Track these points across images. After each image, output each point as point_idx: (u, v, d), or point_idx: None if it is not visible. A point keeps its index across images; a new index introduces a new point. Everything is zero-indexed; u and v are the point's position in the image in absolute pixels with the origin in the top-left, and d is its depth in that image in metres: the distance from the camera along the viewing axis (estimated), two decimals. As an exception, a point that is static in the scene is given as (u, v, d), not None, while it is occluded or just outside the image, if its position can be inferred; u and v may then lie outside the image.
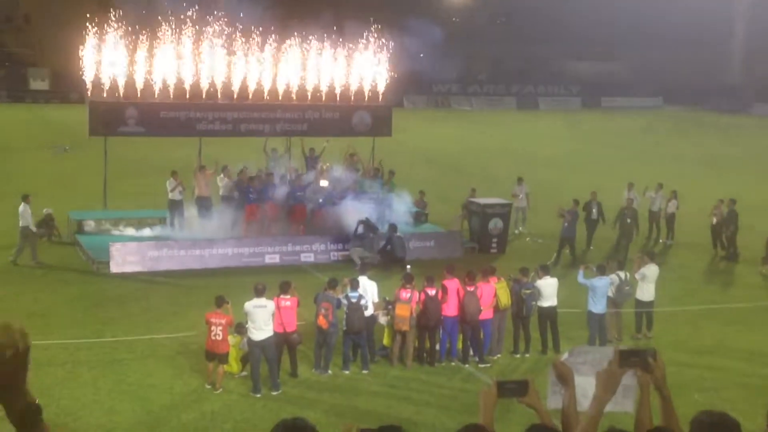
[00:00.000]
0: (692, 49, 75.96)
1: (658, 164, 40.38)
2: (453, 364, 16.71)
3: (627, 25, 75.97)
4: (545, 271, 17.98)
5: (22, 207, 22.19)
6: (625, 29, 76.25)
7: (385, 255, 22.91)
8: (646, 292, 18.52)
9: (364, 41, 27.65)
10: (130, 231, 24.44)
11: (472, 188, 27.45)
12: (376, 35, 27.96)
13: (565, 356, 4.79)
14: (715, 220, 25.84)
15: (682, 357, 17.42)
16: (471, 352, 17.00)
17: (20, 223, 22.09)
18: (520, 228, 27.73)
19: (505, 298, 17.29)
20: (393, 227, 23.31)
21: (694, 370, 16.68)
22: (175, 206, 24.80)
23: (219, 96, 25.86)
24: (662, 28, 75.24)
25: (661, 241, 27.06)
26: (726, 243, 25.71)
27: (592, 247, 25.85)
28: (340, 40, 27.57)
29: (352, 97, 27.27)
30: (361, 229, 23.05)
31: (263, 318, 14.88)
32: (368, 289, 16.66)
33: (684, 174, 37.35)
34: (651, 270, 18.63)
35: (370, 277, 17.09)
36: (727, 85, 76.46)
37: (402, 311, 16.22)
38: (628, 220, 25.18)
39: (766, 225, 29.03)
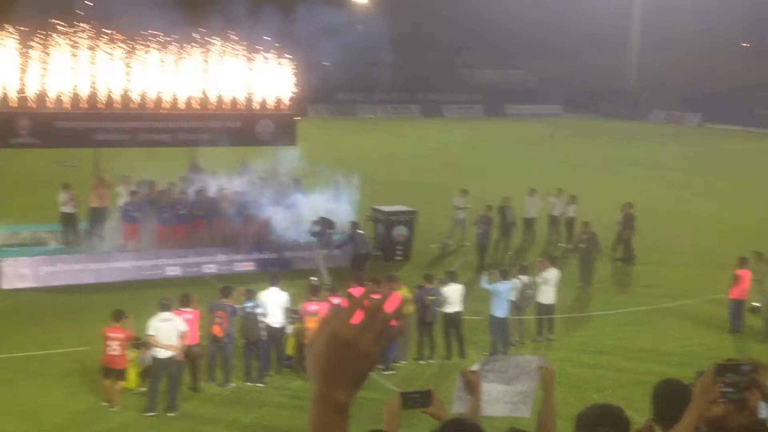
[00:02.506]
0: (590, 58, 78.04)
1: (558, 170, 41.23)
2: (358, 372, 16.58)
3: (528, 34, 77.53)
4: (451, 277, 18.09)
5: None
6: (526, 37, 77.81)
7: (348, 253, 22.70)
8: (547, 295, 18.85)
9: (268, 48, 27.35)
10: (23, 246, 23.60)
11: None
12: (279, 44, 27.70)
13: (476, 366, 4.85)
14: (622, 227, 26.34)
15: (581, 358, 17.81)
16: (375, 360, 16.93)
17: None
18: (453, 240, 27.23)
19: (408, 305, 17.32)
20: (355, 224, 23.05)
21: (593, 370, 17.06)
22: (68, 220, 24.00)
23: (117, 105, 25.15)
24: (562, 36, 77.07)
25: (561, 245, 27.57)
26: (623, 245, 26.34)
27: (510, 252, 26.20)
28: (241, 46, 27.17)
29: (256, 106, 26.90)
30: (317, 228, 22.71)
31: (169, 333, 14.51)
32: (278, 300, 16.47)
33: (583, 179, 38.22)
34: (552, 274, 18.98)
35: (280, 288, 16.84)
36: (624, 93, 78.74)
37: (312, 324, 16.05)
38: (582, 245, 23.56)
39: (662, 227, 30.00)
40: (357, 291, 16.90)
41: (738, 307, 19.67)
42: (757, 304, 19.58)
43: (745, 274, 19.62)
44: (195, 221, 23.93)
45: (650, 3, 76.38)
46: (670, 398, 4.90)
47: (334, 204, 24.64)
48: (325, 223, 22.78)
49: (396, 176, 38.57)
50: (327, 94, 66.12)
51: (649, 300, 22.15)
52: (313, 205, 24.63)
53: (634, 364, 17.40)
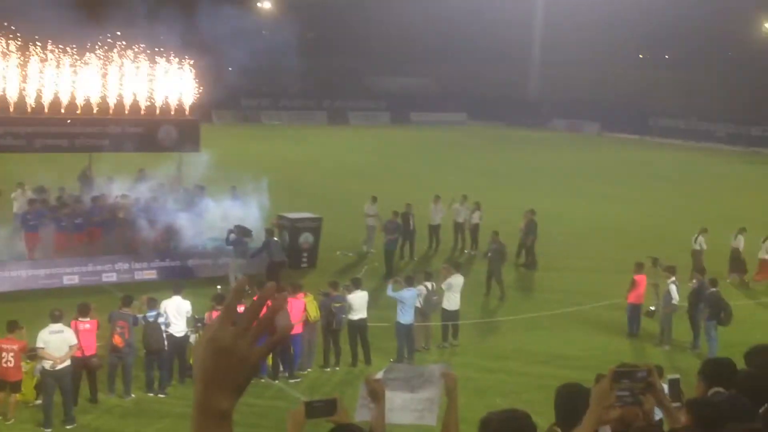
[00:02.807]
0: (493, 66, 79.40)
1: (463, 177, 41.73)
2: (262, 380, 16.45)
3: (432, 42, 78.42)
4: (356, 284, 18.09)
5: None
6: (431, 45, 78.70)
7: (263, 261, 22.24)
8: (451, 301, 19.00)
9: (170, 52, 26.88)
10: None
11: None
12: (182, 48, 27.27)
13: (380, 374, 4.85)
14: (524, 233, 26.78)
15: (485, 363, 18.03)
16: (281, 368, 16.81)
17: None
18: (367, 248, 26.98)
19: (314, 312, 17.27)
20: (270, 232, 22.69)
21: (497, 375, 17.29)
22: None
23: (11, 109, 24.31)
24: (466, 45, 78.20)
25: (466, 251, 27.90)
26: (526, 252, 26.83)
27: (415, 258, 26.40)
28: (143, 50, 26.64)
29: (158, 111, 26.38)
30: (233, 236, 22.24)
31: (60, 345, 14.04)
32: (182, 308, 16.15)
33: (487, 186, 38.78)
34: (456, 280, 19.15)
35: (184, 297, 16.47)
36: (527, 101, 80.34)
37: None
38: (490, 254, 23.46)
39: (563, 232, 30.68)
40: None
41: (635, 312, 20.24)
42: (653, 308, 20.19)
43: (642, 278, 20.21)
44: (93, 229, 23.30)
45: (551, 14, 78.23)
46: (570, 402, 4.99)
47: (237, 211, 24.32)
48: (241, 232, 22.48)
49: (301, 183, 38.39)
50: (231, 99, 65.43)
51: (551, 305, 22.59)
52: (217, 212, 24.31)
53: (536, 368, 17.69)
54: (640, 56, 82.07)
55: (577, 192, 40.66)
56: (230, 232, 22.47)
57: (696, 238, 25.64)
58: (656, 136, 68.33)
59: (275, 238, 22.75)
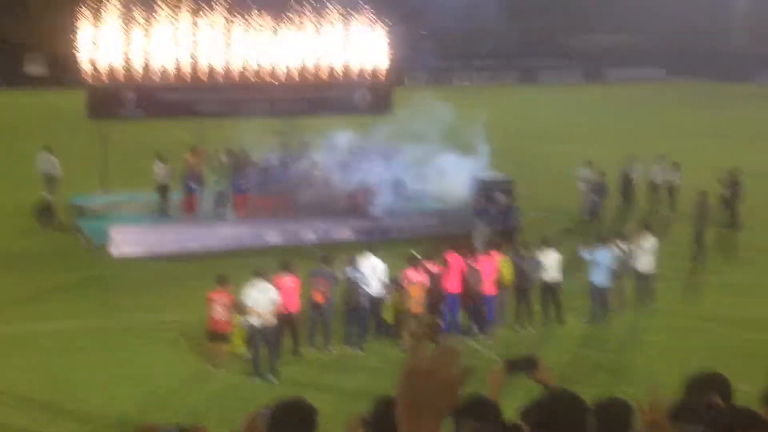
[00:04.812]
0: (693, 18, 75.29)
1: (659, 136, 40.16)
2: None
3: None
4: (547, 244, 17.95)
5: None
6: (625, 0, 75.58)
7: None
8: (645, 263, 18.48)
9: (362, 18, 27.37)
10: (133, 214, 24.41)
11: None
12: (377, 12, 27.68)
13: None
14: (729, 193, 25.56)
15: (684, 325, 17.43)
16: (474, 328, 16.97)
17: None
18: (585, 215, 26.14)
19: (508, 273, 17.26)
20: (510, 197, 23.01)
21: (697, 339, 16.65)
22: (163, 190, 24.54)
23: (218, 77, 25.59)
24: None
25: (663, 213, 26.94)
26: (730, 212, 25.56)
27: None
28: (335, 15, 27.23)
29: (355, 76, 26.97)
30: (480, 206, 22.66)
31: (266, 303, 14.78)
32: (377, 268, 16.56)
33: (686, 145, 37.11)
34: (649, 241, 18.61)
35: (379, 257, 16.85)
36: (732, 54, 75.78)
37: (417, 292, 16.09)
38: (698, 214, 22.25)
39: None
40: (454, 258, 16.89)
41: None
42: None
43: None
44: (284, 192, 24.02)
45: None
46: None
47: (433, 173, 24.57)
48: (490, 201, 22.69)
49: (492, 144, 38.14)
50: (423, 61, 65.54)
51: (757, 268, 21.45)
52: (412, 173, 24.72)
53: (741, 333, 16.93)
54: None
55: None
56: (477, 200, 22.68)
57: None
58: None
59: (517, 205, 22.77)
